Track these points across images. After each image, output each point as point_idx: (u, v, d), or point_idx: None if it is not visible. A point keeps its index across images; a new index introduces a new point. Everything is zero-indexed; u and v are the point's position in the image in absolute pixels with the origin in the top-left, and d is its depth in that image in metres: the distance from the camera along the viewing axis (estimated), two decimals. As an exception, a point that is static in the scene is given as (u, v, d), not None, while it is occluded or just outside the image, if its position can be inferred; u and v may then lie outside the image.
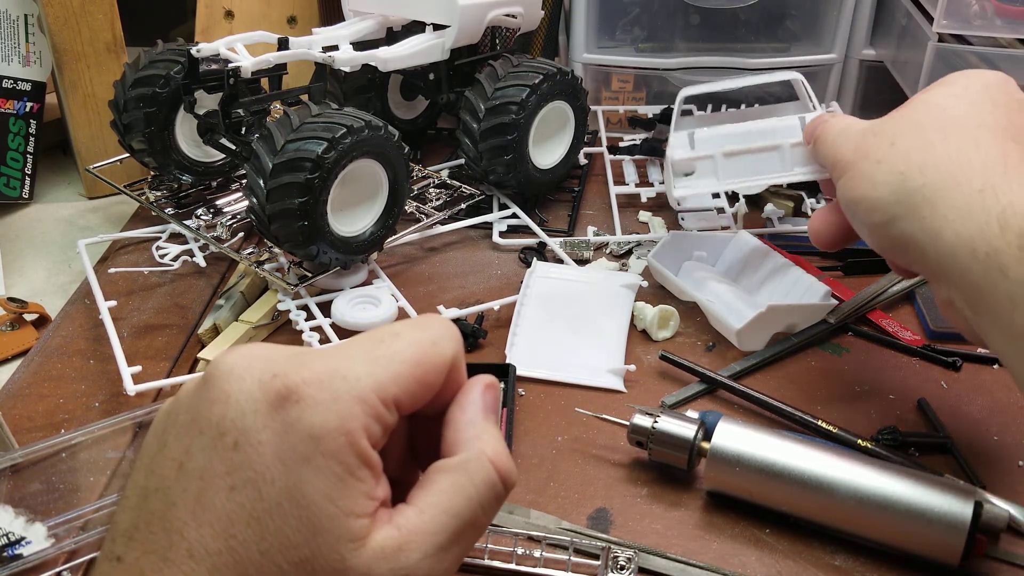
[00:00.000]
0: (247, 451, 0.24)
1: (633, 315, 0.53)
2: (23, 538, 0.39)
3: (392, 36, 0.65)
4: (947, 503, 0.36)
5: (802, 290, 0.53)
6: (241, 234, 0.61)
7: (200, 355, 0.51)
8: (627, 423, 0.42)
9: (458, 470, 0.26)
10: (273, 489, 0.24)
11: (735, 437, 0.39)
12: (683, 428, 0.41)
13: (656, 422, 0.41)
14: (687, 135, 0.56)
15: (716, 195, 0.61)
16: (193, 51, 0.57)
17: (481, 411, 0.28)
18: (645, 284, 0.55)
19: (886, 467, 0.38)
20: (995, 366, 0.49)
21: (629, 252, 0.61)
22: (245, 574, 0.24)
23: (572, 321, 0.52)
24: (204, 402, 0.25)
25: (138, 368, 0.47)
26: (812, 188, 0.64)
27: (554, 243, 0.60)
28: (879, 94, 0.76)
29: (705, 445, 0.40)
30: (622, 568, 0.37)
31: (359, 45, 0.63)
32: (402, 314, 0.52)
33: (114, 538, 0.25)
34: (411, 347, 0.26)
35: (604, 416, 0.43)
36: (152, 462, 0.25)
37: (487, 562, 0.37)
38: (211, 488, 0.24)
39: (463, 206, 0.63)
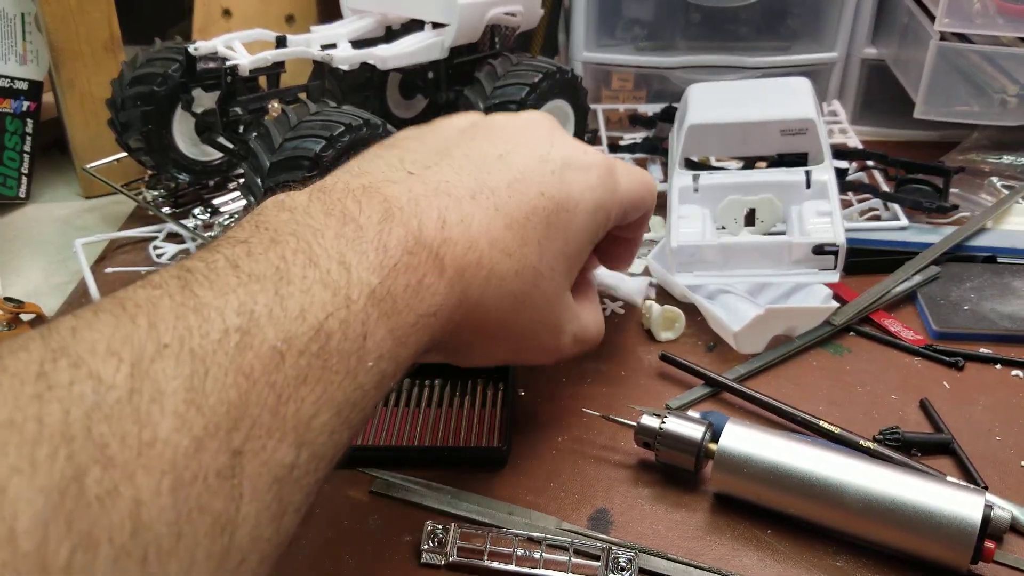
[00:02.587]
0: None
1: (640, 311, 0.53)
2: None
3: (391, 34, 0.65)
4: (956, 507, 0.35)
5: (802, 293, 0.52)
6: (239, 233, 0.61)
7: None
8: (634, 424, 0.41)
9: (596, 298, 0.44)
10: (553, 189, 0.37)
11: (743, 439, 0.39)
12: (691, 429, 0.40)
13: (664, 423, 0.41)
14: (691, 176, 0.55)
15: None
16: (191, 49, 0.57)
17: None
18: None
19: (894, 470, 0.37)
20: (998, 366, 0.49)
21: (629, 251, 0.60)
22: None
23: None
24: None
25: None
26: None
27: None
28: (881, 93, 0.76)
29: (712, 447, 0.40)
30: (623, 569, 0.36)
31: (358, 43, 0.62)
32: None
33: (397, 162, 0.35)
34: (646, 186, 0.43)
35: (611, 416, 0.43)
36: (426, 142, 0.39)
37: (487, 563, 0.37)
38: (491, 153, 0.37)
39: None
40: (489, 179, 0.35)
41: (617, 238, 0.45)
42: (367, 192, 0.31)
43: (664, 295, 0.55)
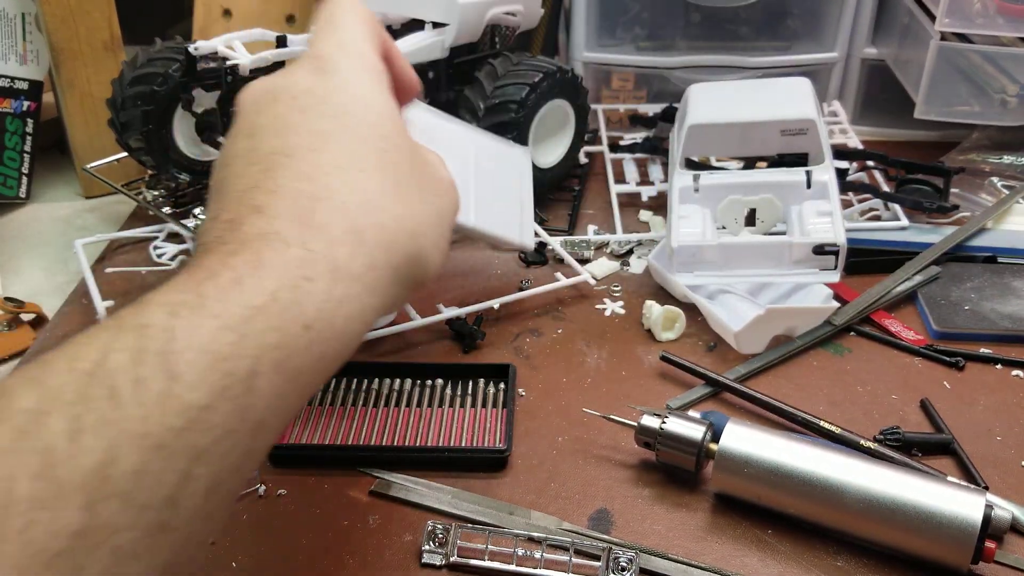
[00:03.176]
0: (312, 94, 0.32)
1: (641, 312, 0.53)
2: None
3: (392, 34, 0.65)
4: (957, 507, 0.35)
5: (803, 293, 0.52)
6: (239, 233, 0.61)
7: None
8: (635, 424, 0.41)
9: None
10: (346, 105, 0.32)
11: (743, 439, 0.39)
12: (691, 429, 0.40)
13: (664, 423, 0.41)
14: (692, 176, 0.55)
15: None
16: (191, 49, 0.57)
17: None
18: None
19: (895, 470, 0.37)
20: (998, 366, 0.49)
21: (630, 251, 0.61)
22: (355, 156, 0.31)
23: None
24: (266, 96, 0.33)
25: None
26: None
27: (554, 242, 0.60)
28: (881, 93, 0.76)
29: (713, 447, 0.40)
30: (623, 569, 0.36)
31: (358, 43, 0.62)
32: (401, 313, 0.51)
33: (241, 193, 0.30)
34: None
35: (611, 417, 0.43)
36: (243, 145, 0.32)
37: (487, 563, 0.37)
38: (307, 122, 0.32)
39: (463, 205, 0.63)
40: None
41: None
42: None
43: (664, 295, 0.55)
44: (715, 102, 0.60)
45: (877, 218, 0.62)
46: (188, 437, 0.24)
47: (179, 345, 0.24)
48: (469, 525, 0.39)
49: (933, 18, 0.63)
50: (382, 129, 0.33)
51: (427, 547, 0.37)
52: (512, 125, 0.59)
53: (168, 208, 0.62)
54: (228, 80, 0.56)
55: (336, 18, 0.35)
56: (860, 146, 0.68)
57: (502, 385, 0.46)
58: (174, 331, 0.24)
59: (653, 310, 0.52)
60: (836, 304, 0.51)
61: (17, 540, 0.21)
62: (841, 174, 0.61)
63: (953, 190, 0.62)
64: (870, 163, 0.66)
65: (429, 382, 0.47)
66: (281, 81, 0.34)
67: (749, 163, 0.62)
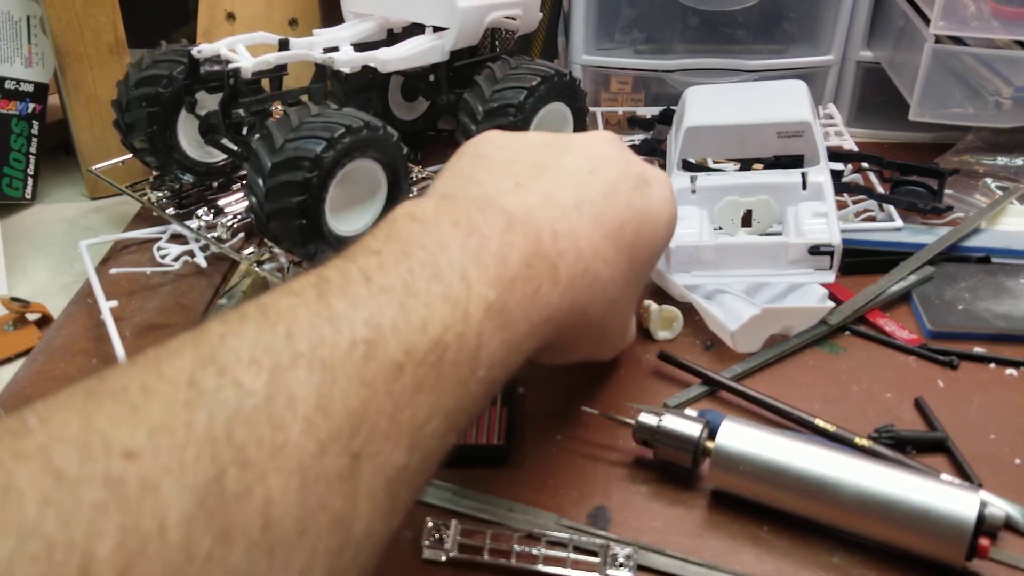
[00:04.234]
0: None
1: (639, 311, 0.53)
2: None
3: (392, 37, 0.66)
4: (951, 504, 0.36)
5: (799, 292, 0.53)
6: (242, 234, 0.61)
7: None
8: (632, 422, 0.42)
9: None
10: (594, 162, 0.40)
11: (740, 437, 0.40)
12: (688, 427, 0.41)
13: (662, 421, 0.41)
14: (689, 177, 0.56)
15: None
16: (194, 52, 0.58)
17: None
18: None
19: (889, 468, 0.38)
20: (992, 365, 0.50)
21: (628, 252, 0.61)
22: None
23: None
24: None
25: (140, 367, 0.48)
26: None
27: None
28: (876, 96, 0.76)
29: (709, 444, 0.40)
30: (621, 565, 0.37)
31: (360, 46, 0.63)
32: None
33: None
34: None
35: (610, 414, 0.43)
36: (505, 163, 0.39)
37: (486, 560, 0.37)
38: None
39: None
40: (587, 192, 0.38)
41: None
42: (488, 203, 0.34)
43: (662, 295, 0.56)
44: (712, 105, 0.60)
45: (872, 219, 0.62)
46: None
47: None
48: (469, 521, 0.39)
49: (928, 21, 0.63)
50: (620, 188, 0.39)
51: (427, 543, 0.38)
52: (510, 129, 0.60)
53: (172, 209, 0.63)
54: (231, 83, 0.57)
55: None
56: (855, 148, 0.69)
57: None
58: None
59: (651, 309, 0.52)
60: (831, 304, 0.52)
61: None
62: (836, 176, 0.61)
63: (947, 191, 0.62)
64: (865, 165, 0.67)
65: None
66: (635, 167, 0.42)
67: (746, 165, 0.62)
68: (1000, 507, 0.39)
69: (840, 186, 0.62)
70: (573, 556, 0.37)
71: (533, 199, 0.36)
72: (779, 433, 0.40)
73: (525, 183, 0.37)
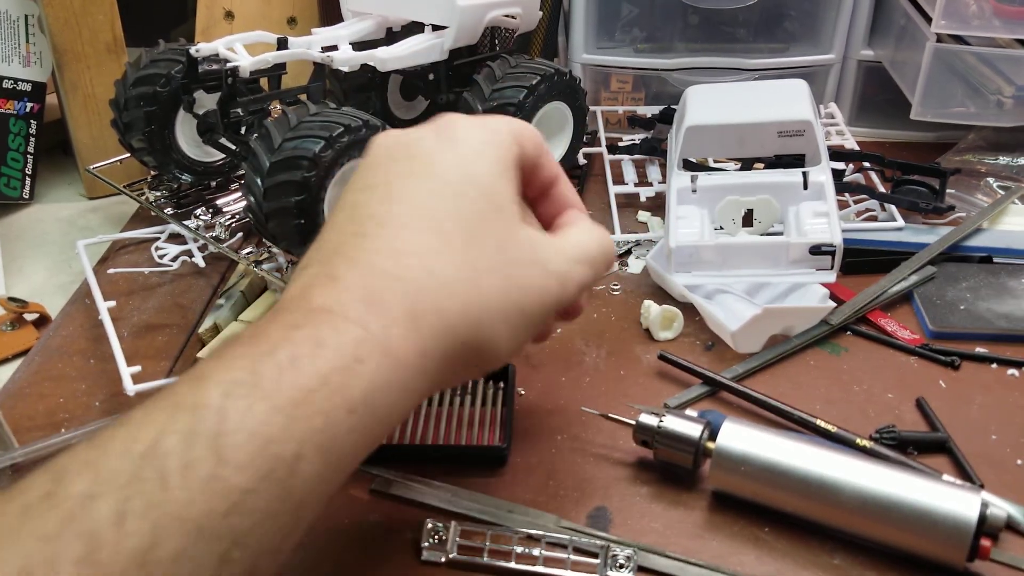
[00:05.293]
0: (428, 160, 0.33)
1: (639, 311, 0.53)
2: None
3: (392, 36, 0.65)
4: (952, 505, 0.36)
5: (800, 292, 0.53)
6: (240, 234, 0.61)
7: (200, 354, 0.51)
8: (633, 423, 0.42)
9: (585, 219, 0.38)
10: (454, 177, 0.33)
11: (740, 437, 0.39)
12: (689, 428, 0.41)
13: (662, 422, 0.41)
14: (690, 177, 0.56)
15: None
16: (192, 51, 0.57)
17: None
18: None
19: (891, 468, 0.38)
20: (994, 365, 0.49)
21: (628, 252, 0.61)
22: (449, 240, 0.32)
23: None
24: (389, 151, 0.34)
25: (138, 368, 0.47)
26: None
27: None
28: (877, 94, 0.76)
29: (710, 445, 0.40)
30: (621, 567, 0.37)
31: (358, 45, 0.63)
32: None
33: (329, 254, 0.32)
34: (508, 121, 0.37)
35: (610, 415, 0.43)
36: (353, 199, 0.33)
37: (486, 561, 0.37)
38: (409, 187, 0.33)
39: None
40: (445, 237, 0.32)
41: (540, 180, 0.39)
42: (334, 307, 0.29)
43: (663, 295, 0.56)
44: (713, 104, 0.60)
45: (873, 219, 0.62)
46: (230, 520, 0.25)
47: (230, 427, 0.25)
48: (469, 523, 0.39)
49: (929, 20, 0.63)
50: (482, 211, 0.33)
51: (427, 544, 0.38)
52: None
53: (170, 209, 0.63)
54: (229, 82, 0.57)
55: (487, 116, 0.37)
56: (856, 147, 0.69)
57: (501, 384, 0.47)
58: (227, 412, 0.26)
59: (651, 310, 0.52)
60: (832, 304, 0.51)
61: None
62: (838, 175, 0.61)
63: (949, 191, 0.62)
64: (866, 164, 0.67)
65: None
66: (409, 137, 0.35)
67: (746, 164, 0.62)
68: (1002, 508, 0.39)
69: (841, 185, 0.62)
70: (573, 557, 0.37)
71: (382, 264, 0.31)
72: (780, 434, 0.40)
73: (372, 236, 0.31)
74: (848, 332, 0.52)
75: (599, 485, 0.42)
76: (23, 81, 0.70)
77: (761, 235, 0.54)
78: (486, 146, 0.34)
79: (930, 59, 0.63)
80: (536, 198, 0.39)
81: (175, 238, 0.62)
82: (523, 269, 0.33)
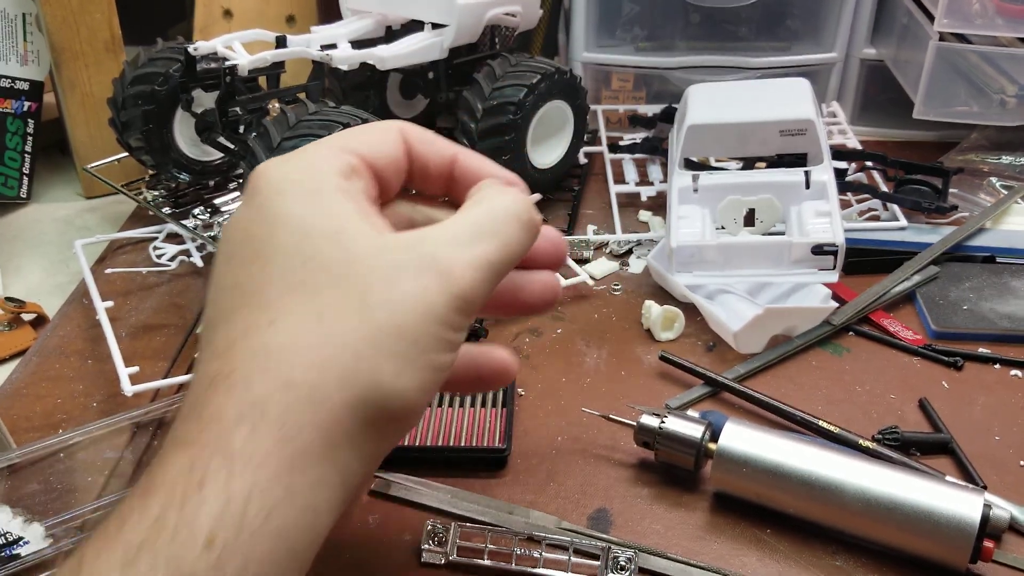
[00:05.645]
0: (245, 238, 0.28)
1: (640, 312, 0.53)
2: (21, 538, 0.38)
3: (391, 35, 0.65)
4: (955, 506, 0.36)
5: (802, 292, 0.53)
6: (239, 233, 0.61)
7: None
8: (634, 423, 0.42)
9: (489, 188, 0.31)
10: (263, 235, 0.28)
11: (742, 438, 0.39)
12: (690, 429, 0.40)
13: (663, 423, 0.41)
14: (691, 176, 0.56)
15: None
16: (190, 49, 0.57)
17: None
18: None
19: (893, 469, 0.38)
20: (997, 365, 0.49)
21: (629, 251, 0.61)
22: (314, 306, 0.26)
23: None
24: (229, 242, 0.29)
25: (135, 369, 0.47)
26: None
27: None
28: (880, 93, 0.76)
29: (712, 446, 0.40)
30: (622, 568, 0.37)
31: (358, 44, 0.63)
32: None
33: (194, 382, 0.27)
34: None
35: (611, 416, 0.43)
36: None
37: (486, 562, 0.37)
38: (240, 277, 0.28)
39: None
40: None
41: (435, 166, 0.34)
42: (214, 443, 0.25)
43: (664, 295, 0.55)
44: (714, 102, 0.60)
45: (876, 218, 0.62)
46: None
47: None
48: (469, 524, 0.39)
49: (932, 18, 0.63)
50: (303, 252, 0.27)
51: (427, 546, 0.37)
52: (510, 127, 0.59)
53: (168, 208, 0.63)
54: (227, 81, 0.56)
55: (308, 146, 0.31)
56: (859, 146, 0.68)
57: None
58: None
59: (652, 310, 0.52)
60: (835, 304, 0.51)
61: None
62: (840, 174, 0.61)
63: (952, 190, 0.62)
64: (869, 163, 0.66)
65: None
66: (235, 214, 0.30)
67: (748, 163, 0.62)
68: (1004, 509, 0.39)
69: (844, 185, 0.61)
70: (574, 559, 0.37)
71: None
72: (782, 435, 0.40)
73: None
74: (850, 332, 0.52)
75: (600, 486, 0.41)
76: (20, 80, 0.70)
77: (763, 235, 0.54)
78: (290, 184, 0.28)
79: (933, 58, 0.63)
80: (447, 185, 0.34)
81: (173, 238, 0.62)
82: (381, 284, 0.27)
